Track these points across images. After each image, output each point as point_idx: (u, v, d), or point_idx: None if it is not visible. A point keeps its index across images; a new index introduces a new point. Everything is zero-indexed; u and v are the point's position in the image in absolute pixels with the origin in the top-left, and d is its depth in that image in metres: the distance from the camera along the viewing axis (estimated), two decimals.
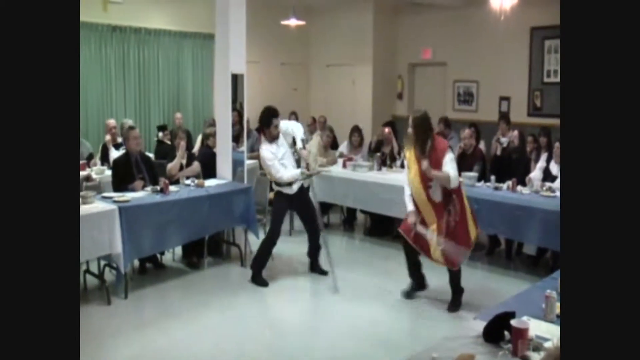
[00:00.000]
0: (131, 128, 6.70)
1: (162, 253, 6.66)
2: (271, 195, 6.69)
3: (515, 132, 7.56)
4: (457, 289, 5.51)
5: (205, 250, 6.67)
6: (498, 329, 2.82)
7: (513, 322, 2.73)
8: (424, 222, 5.33)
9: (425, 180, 5.18)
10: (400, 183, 6.97)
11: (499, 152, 7.90)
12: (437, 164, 5.13)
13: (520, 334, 2.68)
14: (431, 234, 5.25)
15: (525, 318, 2.90)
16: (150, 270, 6.53)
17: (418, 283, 5.78)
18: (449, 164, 5.13)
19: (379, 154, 8.15)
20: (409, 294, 5.77)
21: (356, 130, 8.87)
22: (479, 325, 2.93)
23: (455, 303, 5.48)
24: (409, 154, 5.36)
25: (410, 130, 5.24)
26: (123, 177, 6.26)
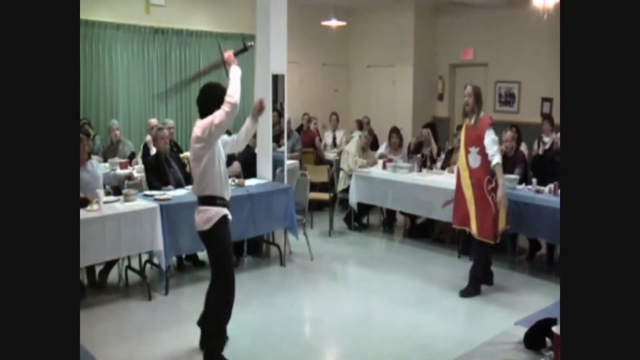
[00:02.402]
0: (159, 129, 6.82)
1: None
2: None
3: (559, 134, 7.43)
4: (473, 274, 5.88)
5: (245, 249, 6.72)
6: (539, 336, 2.77)
7: (555, 329, 2.68)
8: (460, 188, 5.83)
9: (467, 145, 5.72)
10: (440, 185, 6.95)
11: (541, 152, 7.77)
12: (479, 136, 5.61)
13: None
14: (469, 201, 5.75)
15: None
16: (188, 267, 6.61)
17: (486, 278, 6.00)
18: (490, 145, 5.56)
19: (418, 156, 8.10)
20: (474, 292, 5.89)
21: (395, 131, 8.83)
22: (520, 331, 2.89)
23: (467, 288, 5.85)
24: (464, 126, 5.88)
25: (470, 98, 5.74)
26: (156, 176, 6.37)
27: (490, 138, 5.58)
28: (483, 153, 5.61)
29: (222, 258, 4.34)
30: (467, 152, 5.72)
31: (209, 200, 4.20)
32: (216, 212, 4.20)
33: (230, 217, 4.30)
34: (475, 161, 5.68)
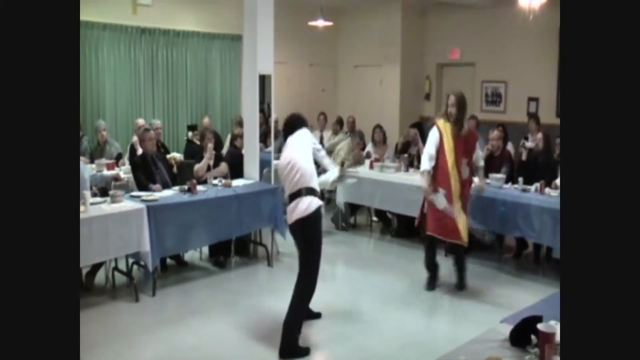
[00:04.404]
0: (146, 130, 6.80)
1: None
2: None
3: (539, 135, 7.43)
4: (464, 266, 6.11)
5: (232, 249, 6.71)
6: (525, 333, 2.80)
7: (540, 326, 2.70)
8: (450, 199, 5.64)
9: (459, 156, 5.63)
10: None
11: (524, 157, 7.79)
12: (470, 150, 5.74)
13: (547, 338, 2.65)
14: (458, 212, 5.65)
15: (552, 322, 2.87)
16: (173, 267, 6.62)
17: (435, 273, 6.12)
18: (481, 155, 6.05)
19: (406, 155, 8.12)
20: (432, 285, 6.05)
21: (378, 127, 8.88)
22: (506, 329, 2.91)
23: (463, 282, 6.06)
24: (443, 127, 5.66)
25: (453, 108, 5.60)
26: (144, 177, 6.36)
27: (480, 151, 6.03)
28: (471, 164, 5.78)
29: (314, 252, 4.72)
30: (460, 164, 5.66)
31: (311, 191, 4.62)
32: (316, 201, 4.62)
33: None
34: (465, 172, 5.72)
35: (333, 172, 5.11)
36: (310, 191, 4.60)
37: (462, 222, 5.67)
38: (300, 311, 4.69)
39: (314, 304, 5.15)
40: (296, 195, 4.59)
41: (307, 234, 4.66)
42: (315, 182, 4.64)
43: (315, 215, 4.60)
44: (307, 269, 4.69)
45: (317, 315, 5.27)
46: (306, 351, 4.60)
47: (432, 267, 6.08)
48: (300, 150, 4.68)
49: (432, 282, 6.06)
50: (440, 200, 5.63)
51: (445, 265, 6.63)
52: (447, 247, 7.08)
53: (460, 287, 6.01)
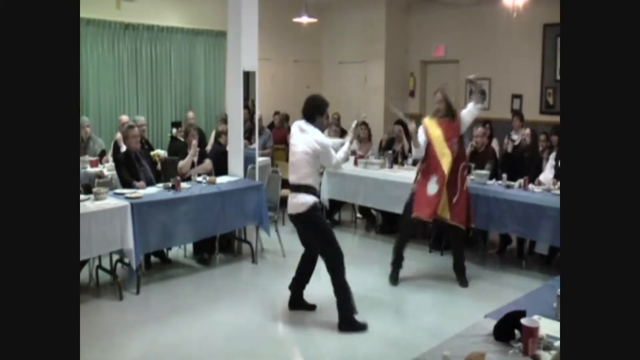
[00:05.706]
0: (130, 127, 6.75)
1: (169, 248, 6.69)
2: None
3: (527, 130, 7.51)
4: (460, 266, 6.12)
5: (217, 247, 6.70)
6: (509, 328, 2.82)
7: (524, 321, 2.72)
8: (441, 183, 5.86)
9: (448, 138, 5.88)
10: (411, 181, 6.99)
11: (509, 150, 7.85)
12: (457, 127, 5.92)
13: (530, 332, 2.67)
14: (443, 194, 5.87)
15: (536, 317, 2.90)
16: (157, 265, 6.59)
17: (400, 263, 6.15)
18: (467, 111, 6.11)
19: (390, 152, 8.14)
20: (395, 279, 6.11)
21: (363, 124, 8.87)
22: (490, 324, 2.93)
23: (463, 280, 6.09)
24: (428, 123, 6.02)
25: (441, 104, 5.98)
26: (128, 174, 6.33)
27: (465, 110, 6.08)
28: (460, 142, 5.98)
29: (327, 236, 5.02)
30: (451, 144, 5.87)
31: (305, 188, 4.92)
32: (309, 199, 4.92)
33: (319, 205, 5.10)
34: (456, 147, 5.93)
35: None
36: (304, 188, 4.90)
37: (445, 199, 5.87)
38: (342, 286, 4.97)
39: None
40: (292, 188, 4.97)
41: (313, 230, 5.05)
42: (310, 180, 4.92)
43: (312, 212, 4.93)
44: (327, 255, 5.03)
45: (312, 307, 5.44)
46: (364, 326, 4.94)
47: (400, 255, 6.12)
48: (302, 150, 4.91)
49: (396, 275, 6.11)
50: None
51: (433, 261, 6.67)
52: (432, 243, 7.14)
53: (461, 283, 6.07)
